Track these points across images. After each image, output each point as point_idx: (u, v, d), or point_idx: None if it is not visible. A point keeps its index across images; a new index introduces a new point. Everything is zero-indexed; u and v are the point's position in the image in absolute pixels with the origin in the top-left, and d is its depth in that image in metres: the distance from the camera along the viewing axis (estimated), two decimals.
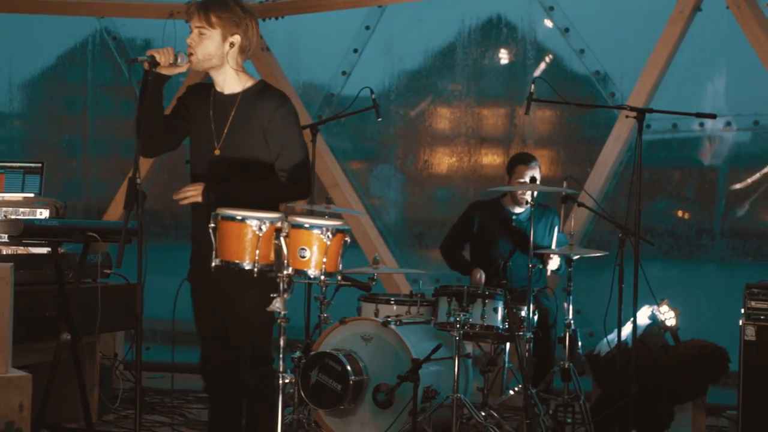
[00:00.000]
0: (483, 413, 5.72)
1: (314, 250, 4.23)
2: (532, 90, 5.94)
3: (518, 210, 6.91)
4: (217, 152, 4.50)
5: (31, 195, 6.41)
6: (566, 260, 6.22)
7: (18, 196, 6.38)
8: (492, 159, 8.82)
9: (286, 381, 4.24)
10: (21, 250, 5.86)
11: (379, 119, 6.74)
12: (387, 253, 8.53)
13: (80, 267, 5.41)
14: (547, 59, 8.56)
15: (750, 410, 5.78)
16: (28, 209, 6.20)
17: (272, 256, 4.21)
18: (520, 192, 6.73)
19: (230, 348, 4.59)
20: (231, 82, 4.54)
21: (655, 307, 6.35)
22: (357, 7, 8.72)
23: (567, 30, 8.27)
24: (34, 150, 9.76)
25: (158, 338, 9.03)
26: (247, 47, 4.53)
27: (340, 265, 4.35)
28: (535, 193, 6.19)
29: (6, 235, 5.14)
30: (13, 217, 6.02)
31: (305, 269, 4.24)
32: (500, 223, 6.89)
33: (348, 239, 4.36)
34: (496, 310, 5.71)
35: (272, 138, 4.45)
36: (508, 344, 6.14)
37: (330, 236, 4.24)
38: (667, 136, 8.18)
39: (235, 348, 4.58)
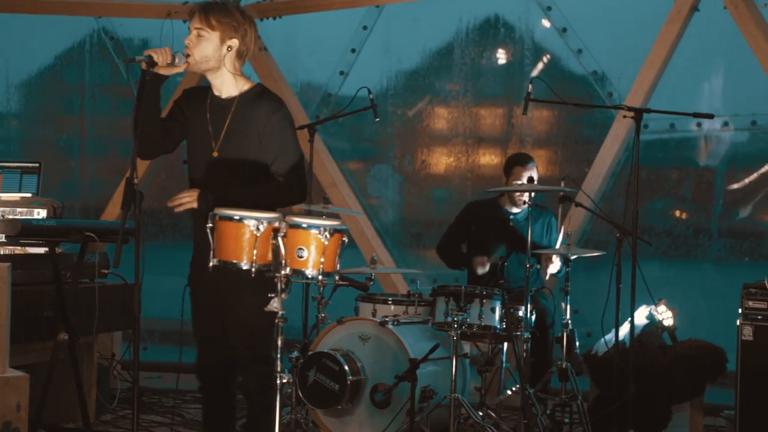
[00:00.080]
0: (480, 413, 5.72)
1: (312, 250, 4.23)
2: (529, 90, 5.95)
3: (515, 210, 6.90)
4: (215, 154, 4.51)
5: (29, 195, 6.41)
6: (564, 260, 6.23)
7: (15, 196, 6.38)
8: (489, 159, 8.82)
9: (284, 381, 4.24)
10: (18, 250, 5.86)
11: (377, 119, 6.74)
12: (384, 253, 8.53)
13: (78, 267, 5.40)
14: (545, 59, 8.56)
15: (747, 410, 5.78)
16: (25, 209, 6.20)
17: (270, 256, 4.21)
18: (517, 194, 6.73)
19: (227, 349, 4.59)
20: (228, 85, 4.55)
21: (653, 306, 6.35)
22: (354, 7, 8.73)
23: (564, 30, 8.27)
24: (32, 150, 9.75)
25: (156, 338, 9.03)
26: (244, 52, 4.55)
27: (338, 265, 4.35)
28: (533, 194, 6.19)
29: (3, 235, 5.13)
30: (10, 217, 6.01)
31: (303, 269, 4.24)
32: (497, 223, 6.88)
33: (346, 239, 4.37)
34: (493, 310, 5.71)
35: (267, 142, 4.46)
36: (505, 344, 6.14)
37: (328, 236, 4.24)
38: (665, 136, 8.19)
39: (232, 349, 4.59)
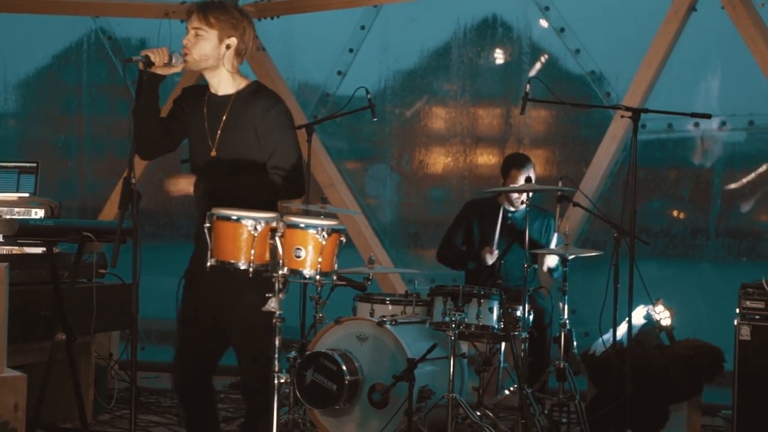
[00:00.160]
0: (478, 413, 5.72)
1: (309, 249, 4.23)
2: (527, 90, 5.95)
3: (513, 209, 6.91)
4: (213, 153, 4.51)
5: (26, 195, 6.41)
6: (562, 260, 6.23)
7: (13, 195, 6.38)
8: (487, 159, 8.82)
9: (282, 381, 4.24)
10: (16, 249, 5.86)
11: (375, 119, 6.74)
12: (382, 253, 8.53)
13: (75, 267, 5.41)
14: (543, 59, 8.56)
15: (745, 410, 5.78)
16: (23, 209, 6.19)
17: (267, 256, 4.21)
18: (515, 196, 6.74)
19: (210, 351, 4.59)
20: (225, 83, 4.54)
21: (651, 306, 6.35)
22: (352, 7, 8.73)
23: (562, 30, 8.27)
24: (29, 150, 9.75)
25: (153, 338, 9.03)
26: (243, 51, 4.55)
27: (336, 265, 4.35)
28: (530, 194, 6.19)
29: (1, 235, 5.13)
30: (8, 216, 6.00)
31: (300, 269, 4.23)
32: (495, 222, 6.89)
33: (343, 239, 4.36)
34: (491, 310, 5.71)
35: (264, 137, 4.45)
36: (503, 344, 6.14)
37: (325, 236, 4.24)
38: (663, 136, 8.19)
39: (213, 351, 4.59)
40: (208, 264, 4.23)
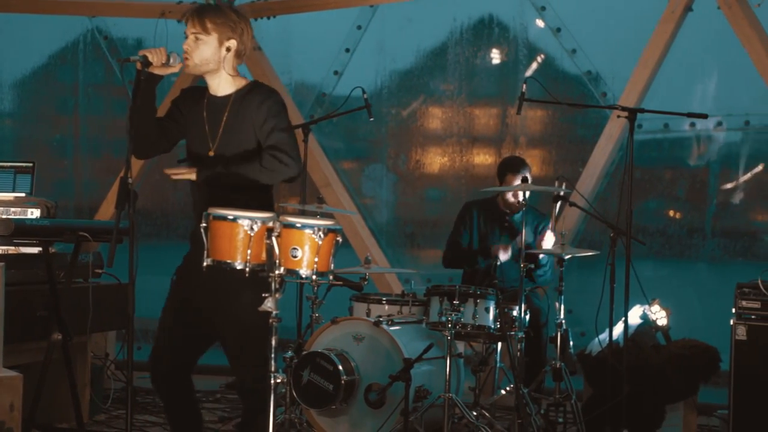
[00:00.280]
0: (475, 413, 5.72)
1: (306, 249, 4.23)
2: (523, 90, 5.95)
3: (510, 211, 6.92)
4: (211, 153, 4.51)
5: (22, 195, 6.40)
6: (558, 260, 6.23)
7: (9, 195, 6.37)
8: (484, 159, 8.83)
9: (278, 381, 4.24)
10: (12, 249, 5.85)
11: (371, 119, 6.74)
12: (379, 253, 8.53)
13: (71, 267, 5.40)
14: (539, 59, 8.57)
15: (741, 410, 5.79)
16: (19, 209, 6.18)
17: (264, 255, 4.21)
18: (512, 200, 6.75)
19: (191, 349, 4.58)
20: (225, 85, 4.55)
21: (647, 306, 6.35)
22: (349, 7, 8.73)
23: (559, 30, 8.28)
24: (26, 149, 9.74)
25: (149, 338, 9.02)
26: (242, 51, 4.56)
27: (332, 265, 4.35)
28: (527, 194, 6.19)
29: None
30: (4, 216, 6.00)
31: (297, 269, 4.23)
32: (494, 222, 6.90)
33: (340, 239, 4.37)
34: (487, 310, 5.71)
35: (260, 127, 4.45)
36: (499, 344, 6.13)
37: (322, 236, 4.24)
38: (659, 136, 8.20)
39: (196, 350, 4.58)
40: (205, 264, 4.24)
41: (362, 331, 5.77)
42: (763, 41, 7.21)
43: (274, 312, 4.19)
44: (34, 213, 6.17)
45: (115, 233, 4.13)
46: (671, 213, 8.35)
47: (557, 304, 6.17)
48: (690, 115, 5.89)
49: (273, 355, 4.23)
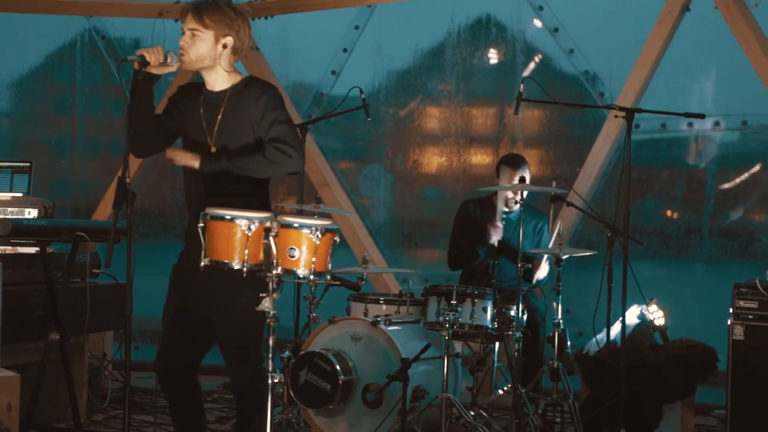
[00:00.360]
0: (472, 413, 5.73)
1: (303, 249, 4.23)
2: (521, 90, 5.95)
3: (507, 210, 6.91)
4: (213, 149, 4.50)
5: (20, 194, 6.40)
6: (555, 260, 6.23)
7: (6, 195, 6.37)
8: (481, 159, 8.83)
9: (276, 381, 4.24)
10: (9, 249, 5.85)
11: (369, 119, 6.74)
12: (376, 253, 8.53)
13: (69, 267, 5.40)
14: (537, 59, 8.57)
15: (738, 409, 5.79)
16: (16, 209, 6.18)
17: (261, 255, 4.21)
18: (510, 197, 6.74)
19: (194, 348, 4.58)
20: (221, 80, 4.55)
21: (644, 306, 6.36)
22: (346, 7, 8.73)
23: (556, 30, 8.28)
24: (23, 149, 9.74)
25: (147, 338, 9.02)
26: (239, 48, 4.55)
27: (330, 265, 4.35)
28: (525, 194, 6.19)
29: None
30: (1, 216, 6.00)
31: (294, 269, 4.23)
32: (494, 213, 6.89)
33: (337, 239, 4.36)
34: (485, 310, 5.71)
35: (259, 121, 4.44)
36: (497, 344, 6.14)
37: (319, 236, 4.24)
38: (656, 136, 8.20)
39: (200, 349, 4.59)
40: (202, 264, 4.23)
41: (360, 331, 5.77)
42: (760, 41, 7.22)
43: (272, 312, 4.19)
44: (32, 213, 6.17)
45: (113, 233, 4.13)
46: (669, 213, 8.35)
47: (555, 304, 6.18)
48: (687, 115, 5.89)
49: (270, 355, 4.23)
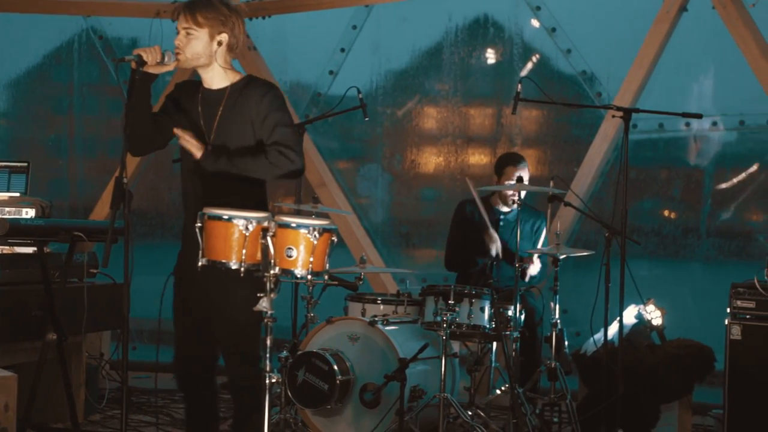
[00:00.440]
0: (470, 413, 5.73)
1: (301, 249, 4.23)
2: (518, 90, 5.95)
3: (506, 209, 6.91)
4: (208, 148, 4.49)
5: (17, 194, 6.39)
6: (553, 260, 6.23)
7: (4, 195, 6.36)
8: (479, 158, 8.83)
9: (273, 380, 4.24)
10: (6, 249, 5.84)
11: (366, 119, 6.74)
12: (374, 253, 8.53)
13: (66, 266, 5.39)
14: (534, 59, 8.57)
15: (736, 409, 5.79)
16: (13, 208, 6.18)
17: (259, 255, 4.21)
18: (510, 193, 6.74)
19: (206, 347, 4.58)
20: (219, 78, 4.54)
21: (642, 306, 6.36)
22: (344, 7, 8.73)
23: (554, 30, 8.28)
24: (20, 149, 9.73)
25: (144, 338, 9.02)
26: (234, 45, 4.55)
27: (327, 265, 4.35)
28: (524, 194, 6.19)
29: None
30: None
31: (292, 269, 4.23)
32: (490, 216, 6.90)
33: (335, 239, 4.36)
34: (482, 310, 5.71)
35: (261, 122, 4.44)
36: (494, 344, 6.14)
37: (317, 236, 4.24)
38: (654, 136, 8.20)
39: (210, 348, 4.58)
40: (200, 264, 4.23)
41: (357, 330, 5.77)
42: (757, 41, 7.22)
43: (269, 312, 4.19)
44: (29, 213, 6.17)
45: (110, 233, 4.12)
46: (666, 213, 8.36)
47: (552, 304, 6.18)
48: (685, 115, 5.89)
49: (268, 355, 4.23)
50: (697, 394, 6.33)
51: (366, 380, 5.63)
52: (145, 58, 4.32)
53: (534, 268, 6.64)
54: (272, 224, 4.20)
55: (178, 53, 4.45)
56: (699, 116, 5.82)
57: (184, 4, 4.51)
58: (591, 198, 7.79)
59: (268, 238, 4.18)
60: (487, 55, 8.74)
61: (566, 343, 6.24)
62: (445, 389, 5.49)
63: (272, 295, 4.18)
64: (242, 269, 4.19)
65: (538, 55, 8.56)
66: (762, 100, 7.37)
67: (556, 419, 6.16)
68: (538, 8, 8.31)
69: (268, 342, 4.22)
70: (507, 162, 6.83)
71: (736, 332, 5.83)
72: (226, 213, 4.20)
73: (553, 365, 6.05)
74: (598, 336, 6.07)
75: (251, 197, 4.49)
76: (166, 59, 4.40)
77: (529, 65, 8.56)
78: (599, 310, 5.73)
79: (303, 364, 5.61)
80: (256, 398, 4.30)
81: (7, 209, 6.17)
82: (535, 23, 8.43)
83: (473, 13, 8.66)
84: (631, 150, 5.61)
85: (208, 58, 4.49)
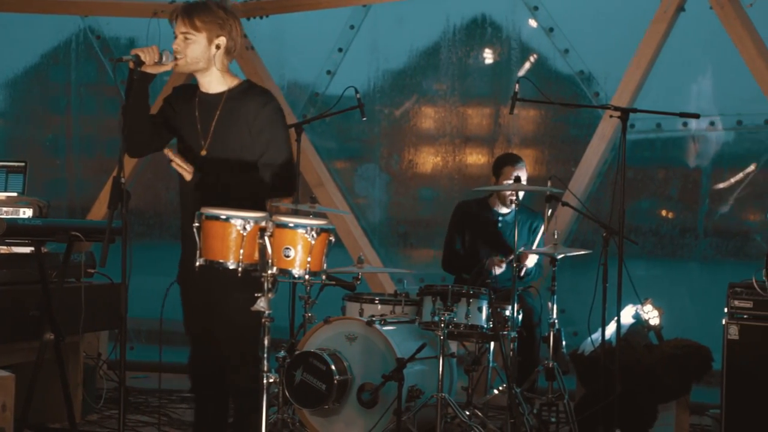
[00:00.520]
0: (467, 412, 5.73)
1: (299, 249, 4.23)
2: (516, 90, 5.95)
3: (505, 210, 6.92)
4: (203, 152, 4.51)
5: (15, 194, 6.39)
6: (550, 260, 6.23)
7: (1, 195, 6.36)
8: (476, 158, 8.83)
9: (271, 380, 4.24)
10: (4, 249, 5.84)
11: (364, 119, 6.74)
12: (371, 253, 8.53)
13: (64, 266, 5.39)
14: (532, 59, 8.57)
15: (733, 409, 5.80)
16: (11, 208, 6.18)
17: (257, 255, 4.21)
18: (508, 193, 6.74)
19: (218, 349, 4.59)
20: (216, 82, 4.55)
21: (639, 306, 6.36)
22: (341, 6, 8.73)
23: (551, 30, 8.28)
24: (18, 149, 9.72)
25: (142, 338, 9.02)
26: (232, 48, 4.55)
27: (325, 265, 4.35)
28: (521, 194, 6.19)
29: None
30: None
31: (290, 269, 4.23)
32: (486, 226, 6.90)
33: (332, 238, 4.37)
34: (480, 310, 5.71)
35: (258, 135, 4.45)
36: (492, 343, 6.14)
37: (314, 236, 4.24)
38: (651, 136, 8.21)
39: (222, 349, 4.59)
40: (197, 264, 4.23)
41: (355, 330, 5.77)
42: (755, 41, 7.22)
43: (267, 312, 4.19)
44: (27, 212, 6.16)
45: (108, 233, 4.13)
46: (664, 213, 8.36)
47: (550, 304, 6.18)
48: (682, 114, 5.90)
49: (266, 355, 4.23)
50: (694, 394, 6.34)
51: (364, 380, 5.63)
52: (143, 58, 4.32)
53: (530, 261, 6.62)
54: (270, 224, 4.20)
55: (178, 57, 4.46)
56: (696, 116, 5.82)
57: (181, 8, 4.51)
58: (589, 198, 7.79)
59: (266, 238, 4.18)
60: (485, 55, 8.74)
61: (564, 342, 6.24)
62: (442, 389, 5.49)
63: (270, 295, 4.19)
64: (240, 269, 4.19)
65: (535, 55, 8.56)
66: (760, 100, 7.38)
67: (553, 419, 6.16)
68: (536, 8, 8.32)
69: (266, 342, 4.22)
70: (505, 162, 6.84)
71: (733, 332, 5.83)
72: (223, 213, 4.20)
73: (550, 365, 6.05)
74: (596, 336, 6.07)
75: (249, 199, 4.49)
76: (164, 59, 4.40)
77: (527, 65, 8.56)
78: (597, 309, 5.73)
79: (300, 364, 5.61)
80: (256, 399, 4.30)
81: (4, 209, 6.16)
82: (532, 23, 8.43)
83: (471, 13, 8.66)
84: (629, 150, 5.62)
85: (207, 62, 4.50)
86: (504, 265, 6.62)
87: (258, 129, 4.45)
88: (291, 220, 4.25)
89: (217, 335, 4.54)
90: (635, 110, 5.89)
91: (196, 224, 4.23)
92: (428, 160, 8.92)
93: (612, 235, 5.72)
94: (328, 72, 8.91)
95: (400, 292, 6.23)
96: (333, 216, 8.06)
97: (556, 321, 6.14)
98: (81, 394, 6.42)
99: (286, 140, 4.53)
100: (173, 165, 4.45)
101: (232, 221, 4.18)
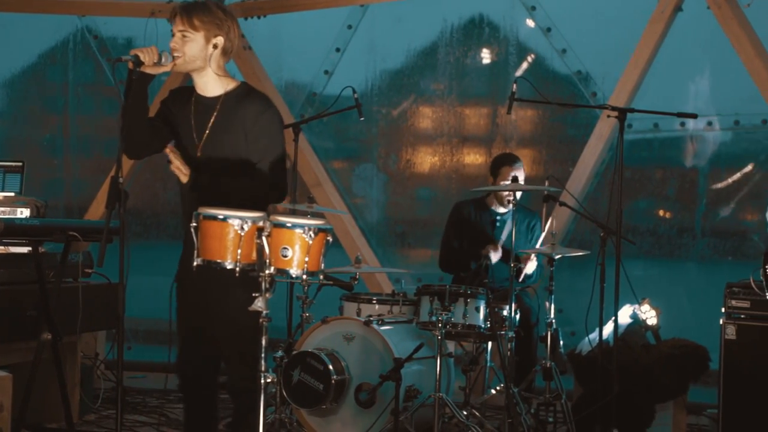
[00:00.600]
0: (465, 412, 5.73)
1: (296, 249, 4.22)
2: (514, 89, 5.95)
3: (502, 210, 6.92)
4: (198, 155, 4.50)
5: (12, 194, 6.38)
6: (548, 260, 6.24)
7: None
8: (474, 158, 8.83)
9: (269, 380, 4.24)
10: (1, 249, 5.83)
11: (362, 118, 6.74)
12: (369, 253, 8.53)
13: (61, 266, 5.38)
14: (529, 59, 8.57)
15: (730, 409, 5.80)
16: (8, 208, 6.17)
17: (254, 255, 4.21)
18: (505, 193, 6.74)
19: (209, 348, 4.59)
20: (212, 84, 4.54)
21: (637, 306, 6.36)
22: (339, 6, 8.73)
23: (549, 30, 8.29)
24: (15, 149, 9.72)
25: (140, 338, 9.01)
26: (229, 49, 4.55)
27: (322, 265, 4.35)
28: (519, 194, 6.19)
29: None
30: None
31: (287, 268, 4.23)
32: (485, 223, 6.90)
33: (330, 238, 4.36)
34: (478, 310, 5.72)
35: (255, 141, 4.46)
36: (490, 343, 6.14)
37: (312, 235, 4.24)
38: (649, 136, 8.21)
39: (214, 348, 4.59)
40: (195, 263, 4.23)
41: (353, 330, 5.77)
42: (752, 41, 7.23)
43: (265, 312, 4.19)
44: (24, 212, 6.16)
45: (106, 233, 4.12)
46: (661, 213, 8.36)
47: (547, 304, 6.18)
48: (680, 114, 5.90)
49: (263, 355, 4.23)
50: (691, 394, 6.34)
51: (361, 380, 5.63)
52: (142, 58, 4.32)
53: (530, 267, 6.64)
54: (267, 224, 4.20)
55: (176, 56, 4.45)
56: (694, 116, 5.83)
57: (180, 6, 4.51)
58: (586, 198, 7.80)
59: (264, 238, 4.18)
60: (483, 54, 8.74)
61: (561, 342, 6.24)
62: (440, 389, 5.49)
63: (267, 295, 4.18)
64: (237, 269, 4.18)
65: (533, 55, 8.57)
66: (757, 100, 7.38)
67: (551, 419, 6.16)
68: (533, 8, 8.32)
69: (263, 342, 4.22)
70: (502, 162, 6.85)
71: (730, 332, 5.84)
72: (221, 213, 4.20)
73: (548, 365, 6.06)
74: (593, 336, 6.08)
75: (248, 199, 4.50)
76: (163, 59, 4.40)
77: (524, 65, 8.56)
78: (594, 309, 5.73)
79: (298, 364, 5.61)
80: (253, 398, 4.30)
81: (1, 209, 6.16)
82: (530, 23, 8.43)
83: (468, 12, 8.66)
84: (626, 150, 5.62)
85: (203, 61, 4.49)
86: (500, 250, 6.63)
87: (255, 136, 4.46)
88: (288, 220, 4.25)
89: (215, 335, 4.54)
90: (633, 110, 5.89)
91: (194, 224, 4.22)
92: (426, 160, 8.93)
93: (609, 235, 5.72)
94: (326, 72, 8.91)
95: (398, 291, 6.23)
96: (331, 216, 8.06)
97: (553, 321, 6.14)
98: (78, 394, 6.42)
99: (283, 149, 4.54)
100: (172, 167, 4.45)
101: (230, 221, 4.18)
